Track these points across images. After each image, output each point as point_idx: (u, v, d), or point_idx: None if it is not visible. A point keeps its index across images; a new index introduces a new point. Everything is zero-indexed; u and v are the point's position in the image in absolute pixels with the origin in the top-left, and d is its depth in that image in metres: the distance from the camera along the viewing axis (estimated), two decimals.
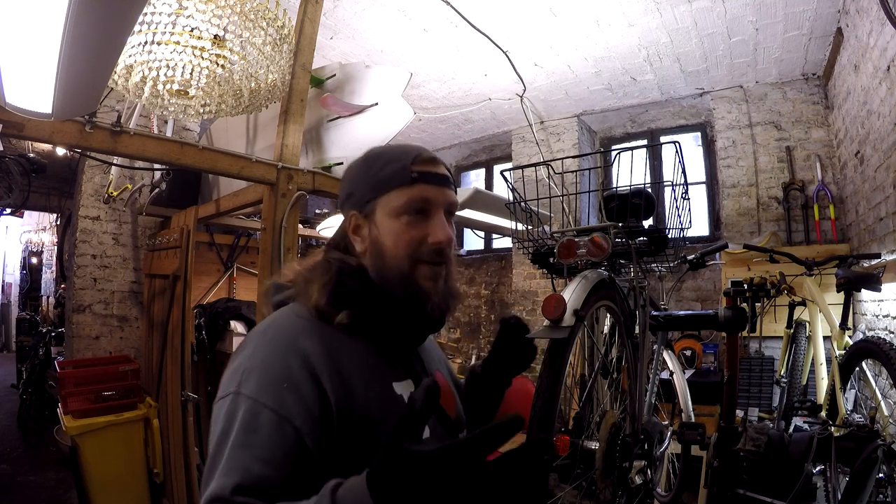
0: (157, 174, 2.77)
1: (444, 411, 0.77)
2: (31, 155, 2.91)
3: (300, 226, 2.10)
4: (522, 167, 1.60)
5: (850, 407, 2.26)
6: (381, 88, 2.04)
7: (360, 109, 2.03)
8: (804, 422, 2.26)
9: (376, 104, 2.02)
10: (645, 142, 4.41)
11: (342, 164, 2.06)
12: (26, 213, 8.06)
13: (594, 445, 1.27)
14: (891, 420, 1.94)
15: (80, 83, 0.96)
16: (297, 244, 1.96)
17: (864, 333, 2.73)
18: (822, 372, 2.38)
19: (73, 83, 0.93)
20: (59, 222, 7.24)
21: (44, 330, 4.94)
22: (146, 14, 1.24)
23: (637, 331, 1.53)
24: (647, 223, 1.60)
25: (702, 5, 2.86)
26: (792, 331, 2.71)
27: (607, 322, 1.63)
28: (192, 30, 1.33)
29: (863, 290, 2.34)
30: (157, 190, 2.79)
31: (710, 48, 3.31)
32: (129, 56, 1.32)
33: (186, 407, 2.40)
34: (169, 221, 3.08)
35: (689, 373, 3.22)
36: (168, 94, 1.45)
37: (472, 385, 0.94)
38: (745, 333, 1.77)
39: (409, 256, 0.72)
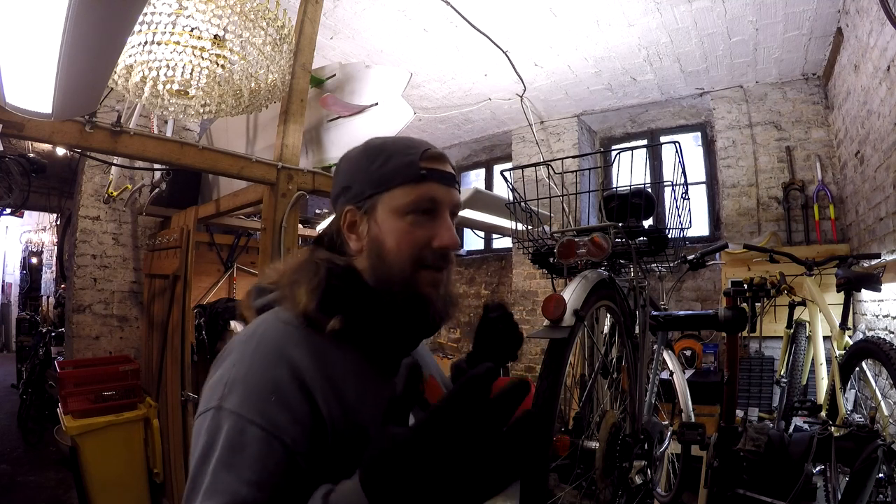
0: (157, 174, 2.77)
1: None
2: (31, 155, 2.91)
3: (300, 226, 2.10)
4: (522, 167, 1.60)
5: (850, 407, 2.26)
6: (381, 88, 2.04)
7: (360, 109, 2.03)
8: (804, 422, 2.26)
9: (376, 104, 2.02)
10: (645, 142, 4.41)
11: None
12: (26, 213, 8.06)
13: (594, 445, 1.27)
14: (891, 420, 1.94)
15: (80, 83, 0.96)
16: (297, 244, 1.96)
17: (864, 333, 2.73)
18: (822, 372, 2.38)
19: (73, 83, 0.93)
20: (59, 222, 7.24)
21: (44, 330, 4.94)
22: (146, 14, 1.24)
23: (637, 331, 1.53)
24: (647, 223, 1.60)
25: (702, 5, 2.86)
26: (792, 331, 2.71)
27: (607, 322, 1.63)
28: (192, 30, 1.33)
29: (863, 290, 2.34)
30: (157, 190, 2.79)
31: (710, 48, 3.31)
32: (129, 56, 1.32)
33: (186, 407, 2.40)
34: (169, 221, 3.08)
35: (689, 373, 3.22)
36: (168, 94, 1.45)
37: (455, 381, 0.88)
38: (745, 333, 1.77)
39: (413, 259, 0.67)
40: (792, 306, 2.65)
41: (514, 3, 2.89)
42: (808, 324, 2.61)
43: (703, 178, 4.18)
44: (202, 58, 1.37)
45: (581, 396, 1.43)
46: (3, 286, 9.81)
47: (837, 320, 2.25)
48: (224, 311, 2.83)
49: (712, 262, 3.24)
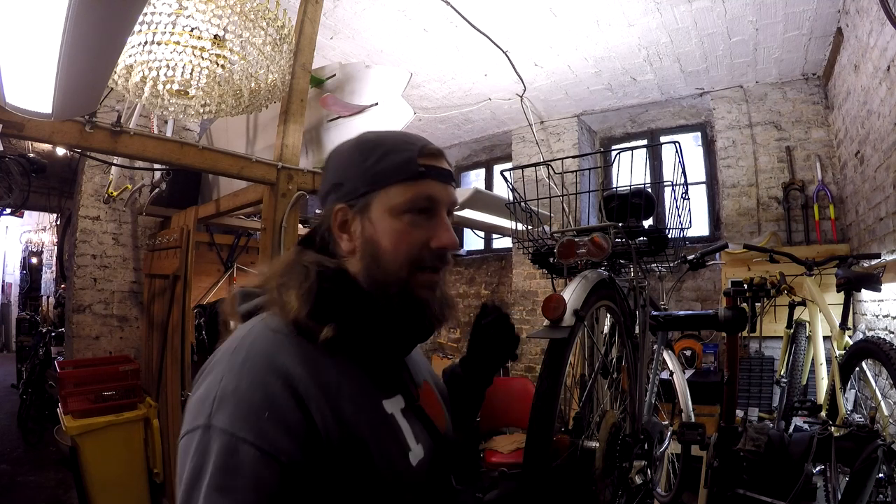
0: (157, 174, 2.77)
1: (432, 423, 0.70)
2: (31, 155, 2.92)
3: (300, 226, 2.10)
4: (522, 167, 1.60)
5: (850, 407, 2.26)
6: (381, 88, 2.04)
7: (360, 109, 2.03)
8: (804, 422, 2.26)
9: (376, 104, 2.02)
10: (645, 142, 4.41)
11: None
12: (26, 213, 8.06)
13: (594, 445, 1.27)
14: (891, 420, 1.94)
15: (80, 83, 0.96)
16: None
17: (864, 333, 2.73)
18: (822, 372, 2.38)
19: (73, 83, 0.93)
20: (59, 222, 7.24)
21: (44, 330, 4.94)
22: (146, 14, 1.24)
23: (637, 331, 1.53)
24: (647, 223, 1.60)
25: (702, 5, 2.86)
26: (792, 331, 2.71)
27: (607, 322, 1.63)
28: (192, 30, 1.33)
29: (863, 290, 2.34)
30: (157, 190, 2.79)
31: (710, 48, 3.31)
32: (129, 56, 1.32)
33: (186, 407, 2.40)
34: (169, 221, 3.08)
35: (689, 373, 3.22)
36: (168, 94, 1.45)
37: (451, 387, 0.87)
38: (745, 333, 1.77)
39: (410, 261, 0.64)
40: (792, 306, 2.65)
41: (514, 3, 2.89)
42: (808, 324, 2.61)
43: (703, 178, 4.18)
44: (202, 58, 1.38)
45: (581, 396, 1.43)
46: (3, 286, 9.81)
47: (837, 320, 2.25)
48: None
49: (712, 262, 3.24)
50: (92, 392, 2.49)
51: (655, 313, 1.78)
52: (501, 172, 1.67)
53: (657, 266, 1.79)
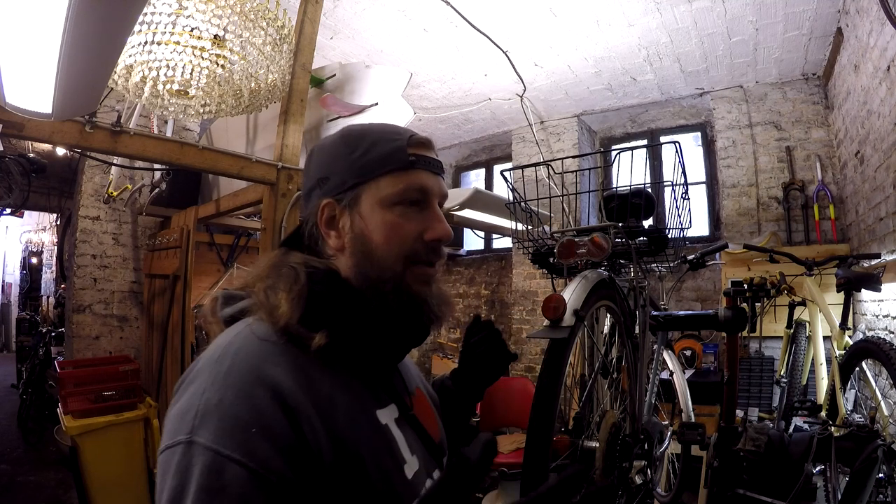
0: (157, 174, 2.78)
1: (428, 435, 0.67)
2: (31, 155, 2.92)
3: None
4: (522, 167, 1.60)
5: (850, 407, 2.26)
6: (381, 88, 2.04)
7: (360, 109, 2.03)
8: (804, 422, 2.26)
9: (376, 104, 2.02)
10: (645, 142, 4.41)
11: None
12: (26, 213, 8.07)
13: (594, 445, 1.27)
14: (891, 420, 1.94)
15: (80, 83, 0.96)
16: None
17: (864, 333, 2.73)
18: (822, 372, 2.38)
19: (73, 83, 0.93)
20: (59, 222, 7.24)
21: (44, 330, 4.95)
22: (146, 14, 1.24)
23: (637, 331, 1.53)
24: (647, 223, 1.60)
25: (702, 5, 2.86)
26: (792, 331, 2.71)
27: (607, 322, 1.63)
28: (192, 30, 1.33)
29: (863, 290, 2.34)
30: (157, 190, 2.80)
31: (710, 48, 3.31)
32: (129, 56, 1.32)
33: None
34: (169, 221, 3.08)
35: (689, 373, 3.22)
36: (168, 94, 1.45)
37: (441, 399, 0.84)
38: (745, 333, 1.77)
39: (404, 255, 0.61)
40: (792, 306, 2.65)
41: (514, 3, 2.89)
42: (808, 324, 2.61)
43: (703, 178, 4.18)
44: (202, 58, 1.38)
45: (581, 396, 1.43)
46: (3, 286, 9.82)
47: (837, 320, 2.25)
48: None
49: (712, 262, 3.24)
50: (92, 392, 2.49)
51: (655, 313, 1.78)
52: (501, 172, 1.67)
53: (657, 266, 1.79)
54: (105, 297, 3.22)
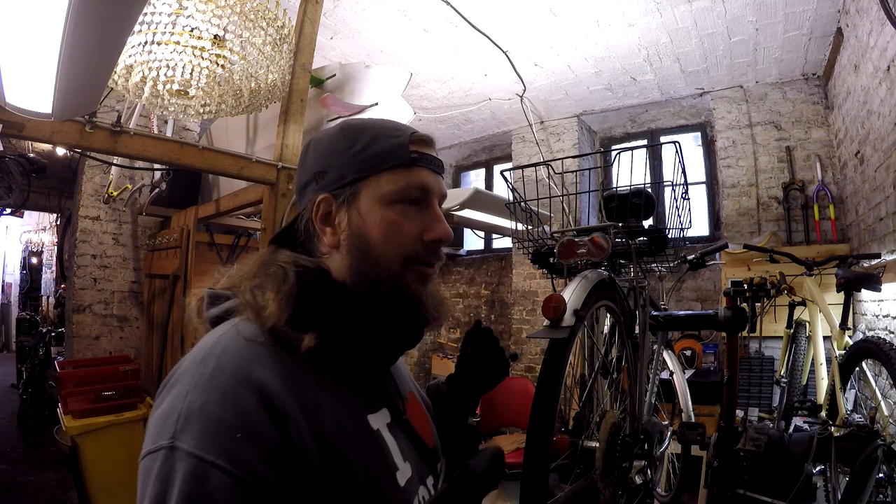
0: (157, 174, 2.78)
1: (421, 441, 0.65)
2: (31, 155, 2.92)
3: None
4: (522, 167, 1.60)
5: (850, 407, 2.26)
6: (381, 88, 2.04)
7: (360, 109, 2.03)
8: (804, 422, 2.26)
9: (376, 104, 2.03)
10: (645, 142, 4.41)
11: None
12: (26, 213, 8.07)
13: (594, 445, 1.27)
14: (891, 420, 1.94)
15: (80, 83, 0.96)
16: None
17: (864, 333, 2.73)
18: (822, 372, 2.38)
19: (73, 83, 0.93)
20: (59, 222, 7.24)
21: (44, 330, 4.94)
22: (146, 14, 1.24)
23: (637, 331, 1.53)
24: (647, 223, 1.60)
25: (702, 5, 2.86)
26: (792, 331, 2.71)
27: (607, 322, 1.63)
28: (192, 30, 1.33)
29: (863, 290, 2.34)
30: (157, 190, 2.80)
31: (710, 48, 3.31)
32: (129, 56, 1.32)
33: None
34: (169, 221, 3.08)
35: (689, 373, 3.22)
36: (168, 94, 1.45)
37: (435, 405, 0.82)
38: (745, 333, 1.77)
39: (403, 255, 0.59)
40: (792, 306, 2.65)
41: (514, 3, 2.89)
42: (808, 324, 2.61)
43: (703, 178, 4.18)
44: (202, 58, 1.37)
45: (581, 396, 1.43)
46: (3, 286, 9.82)
47: (837, 320, 2.25)
48: None
49: (712, 262, 3.24)
50: (92, 392, 2.49)
51: (655, 313, 1.78)
52: (501, 172, 1.68)
53: (657, 266, 1.79)
54: (105, 297, 3.22)
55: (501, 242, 5.14)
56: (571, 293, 1.21)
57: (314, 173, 0.62)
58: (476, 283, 5.25)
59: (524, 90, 3.89)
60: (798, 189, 3.49)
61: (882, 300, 2.49)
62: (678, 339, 3.54)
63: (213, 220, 2.78)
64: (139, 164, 2.90)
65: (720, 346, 3.41)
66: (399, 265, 0.59)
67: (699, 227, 4.11)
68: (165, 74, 1.36)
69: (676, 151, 1.48)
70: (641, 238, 1.48)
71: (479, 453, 0.47)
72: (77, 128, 1.46)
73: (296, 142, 1.96)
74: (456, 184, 5.80)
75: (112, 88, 1.41)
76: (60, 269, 5.47)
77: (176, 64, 1.35)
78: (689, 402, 2.20)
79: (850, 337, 2.24)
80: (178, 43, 1.32)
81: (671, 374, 2.23)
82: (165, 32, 1.29)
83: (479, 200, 2.57)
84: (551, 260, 1.50)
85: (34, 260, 9.19)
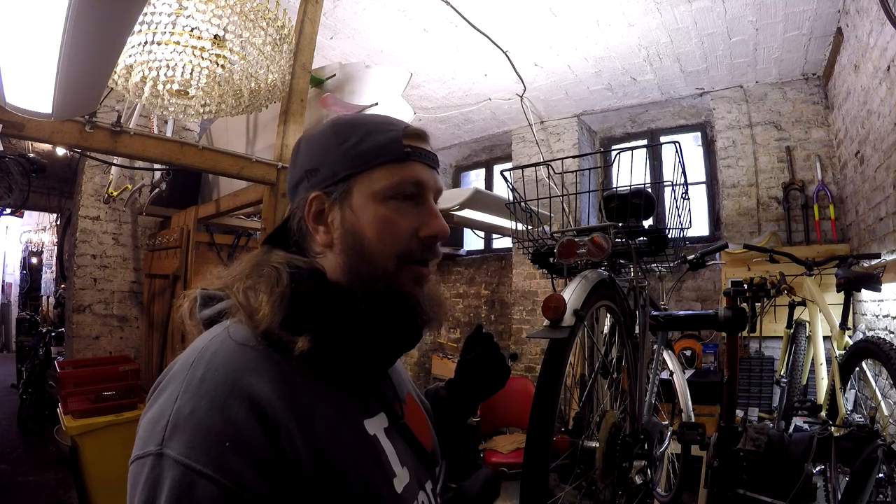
0: (157, 174, 2.78)
1: (420, 445, 0.64)
2: (31, 155, 2.92)
3: None
4: (522, 167, 1.60)
5: (850, 407, 2.26)
6: (381, 88, 2.04)
7: (360, 109, 2.03)
8: (804, 422, 2.26)
9: (376, 104, 2.03)
10: (645, 142, 4.41)
11: None
12: (26, 213, 8.07)
13: (594, 445, 1.27)
14: (891, 420, 1.94)
15: (80, 83, 0.96)
16: None
17: (864, 333, 2.73)
18: (822, 372, 2.38)
19: (73, 83, 0.93)
20: (59, 222, 7.24)
21: (44, 330, 4.94)
22: (146, 14, 1.24)
23: (637, 331, 1.53)
24: (647, 223, 1.60)
25: (702, 5, 2.86)
26: (792, 331, 2.71)
27: (607, 322, 1.63)
28: (192, 30, 1.33)
29: (863, 290, 2.34)
30: (157, 190, 2.80)
31: (710, 48, 3.31)
32: (129, 56, 1.32)
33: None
34: (169, 221, 3.08)
35: (689, 373, 3.22)
36: (168, 94, 1.45)
37: (434, 409, 0.81)
38: (745, 333, 1.77)
39: (398, 252, 0.58)
40: (792, 306, 2.65)
41: (514, 3, 2.89)
42: (808, 324, 2.61)
43: (703, 178, 4.18)
44: (202, 58, 1.37)
45: (581, 396, 1.43)
46: (3, 286, 9.82)
47: (837, 320, 2.25)
48: None
49: (712, 262, 3.24)
50: (92, 392, 2.49)
51: (655, 313, 1.78)
52: (501, 172, 1.68)
53: (657, 266, 1.79)
54: (105, 297, 3.22)
55: (501, 242, 5.14)
56: (571, 293, 1.21)
57: (306, 171, 0.61)
58: (476, 283, 5.25)
59: (524, 90, 3.90)
60: (798, 189, 3.49)
61: (882, 300, 2.49)
62: (678, 339, 3.54)
63: (213, 220, 2.78)
64: (139, 164, 2.90)
65: (720, 346, 3.41)
66: (394, 263, 0.58)
67: (699, 227, 4.11)
68: (165, 74, 1.36)
69: (676, 151, 1.48)
70: (641, 238, 1.48)
71: (473, 475, 0.46)
72: (77, 128, 1.46)
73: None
74: (456, 184, 5.80)
75: (112, 88, 1.41)
76: (60, 269, 5.47)
77: (176, 64, 1.35)
78: (689, 402, 2.20)
79: (850, 337, 2.24)
80: (178, 43, 1.32)
81: (671, 374, 2.23)
82: (165, 32, 1.29)
83: (479, 200, 2.57)
84: (551, 260, 1.51)
85: (34, 260, 9.19)
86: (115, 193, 3.01)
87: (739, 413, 1.89)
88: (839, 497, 1.74)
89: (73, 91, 0.97)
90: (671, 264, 1.73)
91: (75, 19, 0.74)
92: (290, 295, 0.54)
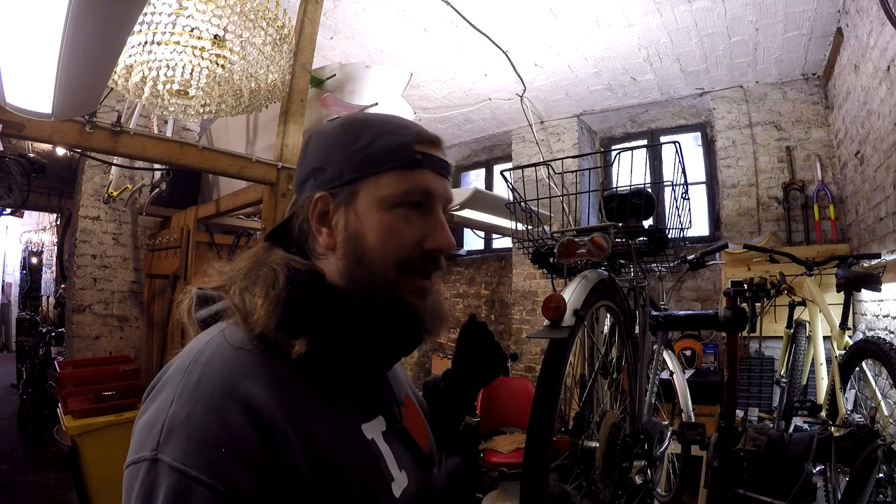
0: (157, 174, 2.78)
1: (417, 446, 0.63)
2: (31, 155, 2.92)
3: None
4: (522, 167, 1.60)
5: (850, 407, 2.26)
6: (381, 88, 2.04)
7: (360, 109, 2.03)
8: (804, 422, 2.26)
9: (376, 104, 2.03)
10: (645, 142, 4.41)
11: None
12: (26, 213, 8.07)
13: (594, 445, 1.27)
14: (891, 420, 1.94)
15: (80, 83, 0.96)
16: None
17: (864, 333, 2.73)
18: (822, 372, 2.38)
19: (73, 83, 0.93)
20: (59, 222, 7.25)
21: (44, 330, 4.94)
22: (146, 14, 1.24)
23: (637, 331, 1.53)
24: (647, 223, 1.60)
25: (702, 5, 2.86)
26: (792, 331, 2.71)
27: (607, 322, 1.63)
28: (192, 30, 1.33)
29: (863, 290, 2.34)
30: (157, 190, 2.80)
31: (710, 48, 3.31)
32: (129, 56, 1.32)
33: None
34: (169, 221, 3.08)
35: (689, 373, 3.22)
36: (168, 94, 1.45)
37: (431, 401, 0.81)
38: (745, 333, 1.77)
39: (399, 262, 0.56)
40: (792, 306, 2.65)
41: (514, 3, 2.89)
42: (808, 324, 2.61)
43: (703, 178, 4.18)
44: (202, 58, 1.38)
45: (581, 396, 1.43)
46: (3, 286, 9.82)
47: (837, 320, 2.25)
48: None
49: (712, 262, 3.24)
50: (92, 392, 2.49)
51: (655, 313, 1.78)
52: (501, 172, 1.68)
53: (657, 266, 1.79)
54: (105, 297, 3.22)
55: (501, 242, 5.14)
56: (571, 293, 1.21)
57: (313, 168, 0.60)
58: (476, 283, 5.25)
59: (524, 90, 3.90)
60: (798, 189, 3.49)
61: (882, 300, 2.49)
62: (678, 339, 3.54)
63: (213, 220, 2.78)
64: (139, 164, 2.90)
65: (720, 346, 3.41)
66: (394, 272, 0.56)
67: (699, 227, 4.11)
68: (165, 74, 1.36)
69: (676, 151, 1.48)
70: (641, 238, 1.48)
71: (442, 466, 0.46)
72: (77, 128, 1.46)
73: (296, 142, 1.96)
74: (456, 184, 5.80)
75: (112, 88, 1.41)
76: (60, 269, 5.47)
77: (176, 64, 1.35)
78: (689, 402, 2.20)
79: (850, 337, 2.24)
80: (178, 43, 1.32)
81: (671, 374, 2.23)
82: (165, 32, 1.29)
83: (479, 200, 2.57)
84: (551, 260, 1.51)
85: (34, 260, 9.19)
86: (115, 193, 3.01)
87: (739, 413, 1.89)
88: (839, 497, 1.74)
89: (73, 91, 0.97)
90: (671, 264, 1.73)
91: (75, 19, 0.74)
92: (286, 298, 0.52)
